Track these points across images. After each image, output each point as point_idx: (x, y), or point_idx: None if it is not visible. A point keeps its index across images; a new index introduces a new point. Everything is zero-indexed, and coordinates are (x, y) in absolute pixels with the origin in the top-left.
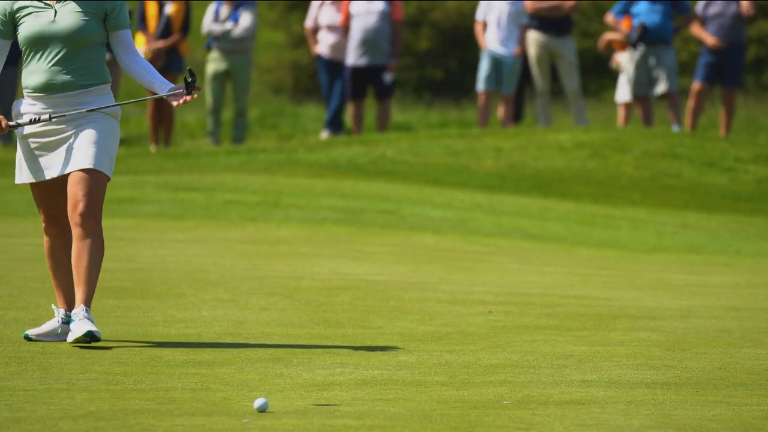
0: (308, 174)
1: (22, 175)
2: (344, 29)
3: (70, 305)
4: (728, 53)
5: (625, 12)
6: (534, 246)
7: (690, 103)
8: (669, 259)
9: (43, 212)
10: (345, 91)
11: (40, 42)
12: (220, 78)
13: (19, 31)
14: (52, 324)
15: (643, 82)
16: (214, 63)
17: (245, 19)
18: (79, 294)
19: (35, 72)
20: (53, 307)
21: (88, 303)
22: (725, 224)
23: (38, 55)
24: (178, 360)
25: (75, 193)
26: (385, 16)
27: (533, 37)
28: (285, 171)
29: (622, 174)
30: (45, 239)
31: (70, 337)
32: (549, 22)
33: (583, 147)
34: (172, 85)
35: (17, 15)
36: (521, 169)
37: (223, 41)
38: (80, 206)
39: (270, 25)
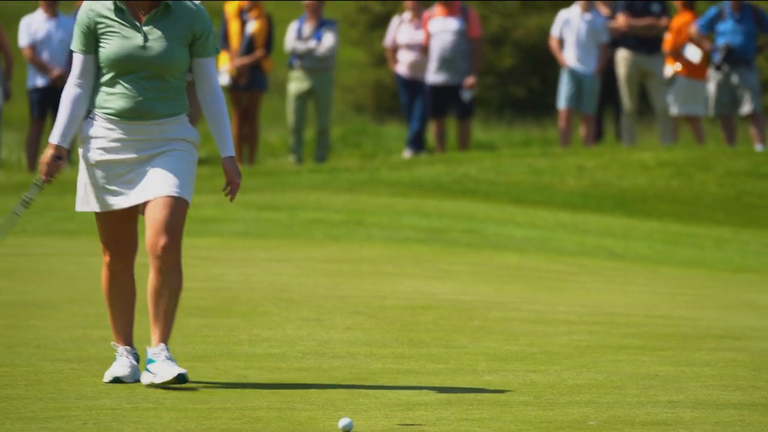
0: (391, 193)
1: (89, 202)
2: (423, 48)
3: (128, 341)
4: None
5: (711, 28)
6: (617, 265)
7: None
8: (754, 278)
9: (109, 246)
10: (426, 109)
11: (127, 65)
12: (302, 97)
13: (101, 47)
14: (127, 364)
15: (725, 101)
16: (296, 82)
17: (328, 38)
18: (157, 331)
19: (118, 96)
20: (113, 345)
21: (166, 340)
22: None
23: (123, 79)
24: (264, 379)
25: (157, 221)
26: (462, 34)
27: (623, 56)
28: (368, 190)
29: (706, 193)
30: (105, 273)
31: (157, 380)
32: (640, 41)
33: (666, 165)
34: (231, 154)
35: (99, 27)
36: (604, 188)
37: (307, 59)
38: (163, 237)
39: (352, 43)
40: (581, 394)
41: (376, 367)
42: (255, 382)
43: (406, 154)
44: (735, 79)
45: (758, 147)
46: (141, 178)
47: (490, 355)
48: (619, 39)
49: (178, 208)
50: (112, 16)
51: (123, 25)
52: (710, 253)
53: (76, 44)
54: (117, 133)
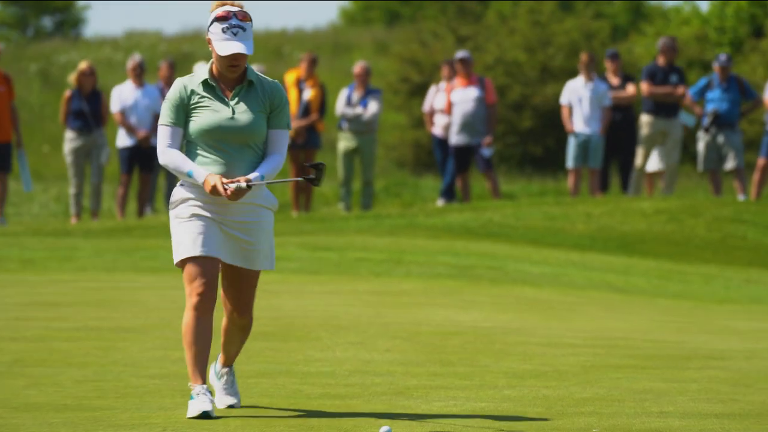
0: (426, 236)
1: (186, 249)
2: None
3: (205, 379)
4: None
5: (701, 95)
6: (618, 297)
7: (755, 176)
8: (735, 308)
9: (203, 286)
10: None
11: (218, 135)
12: (349, 154)
13: (193, 119)
14: (208, 400)
15: (713, 158)
16: (345, 141)
17: (372, 105)
18: (223, 357)
19: (210, 162)
20: (191, 385)
21: (229, 364)
22: None
23: (214, 148)
24: (316, 393)
25: (244, 287)
26: (481, 101)
27: (646, 120)
28: (406, 233)
29: (695, 236)
30: (191, 315)
31: (224, 405)
32: (659, 106)
33: (662, 213)
34: (251, 177)
35: (191, 102)
36: (608, 232)
37: (354, 123)
38: (245, 300)
39: (394, 108)
40: (586, 406)
41: (411, 383)
42: (309, 395)
43: (440, 203)
44: (721, 139)
45: (741, 197)
46: (242, 243)
47: (509, 373)
48: (637, 104)
49: (257, 279)
50: (204, 92)
51: (213, 99)
52: (698, 287)
53: (166, 118)
54: (211, 198)
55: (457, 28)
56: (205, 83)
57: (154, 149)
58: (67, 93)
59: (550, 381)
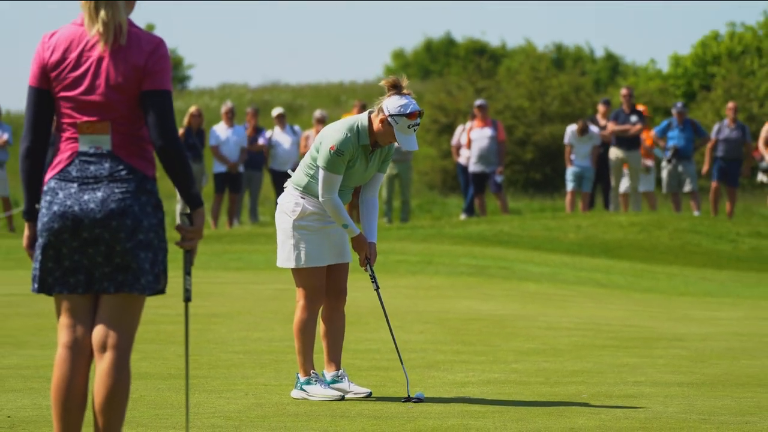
0: (452, 242)
1: (318, 258)
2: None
3: (311, 366)
4: (732, 164)
5: (664, 133)
6: (602, 291)
7: (711, 196)
8: (692, 300)
9: (318, 291)
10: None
11: (352, 182)
12: (391, 178)
13: (347, 171)
14: (326, 389)
15: (674, 183)
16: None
17: None
18: (336, 359)
19: (341, 194)
20: (315, 373)
21: (340, 366)
22: (730, 277)
23: (346, 183)
24: (364, 366)
25: (342, 279)
26: (494, 138)
27: (613, 152)
28: (436, 240)
29: (661, 243)
30: (304, 317)
31: (360, 394)
32: (622, 140)
33: (635, 225)
34: (375, 240)
35: (351, 158)
36: (593, 240)
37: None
38: (344, 291)
39: (427, 143)
40: (577, 376)
41: (439, 358)
42: (358, 368)
43: (462, 217)
44: (680, 168)
45: (696, 213)
46: (338, 244)
47: (516, 350)
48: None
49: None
50: (360, 150)
51: (362, 159)
52: (663, 284)
53: (336, 168)
54: (324, 211)
55: (475, 82)
56: (364, 147)
57: (241, 175)
58: (181, 130)
59: (549, 357)
